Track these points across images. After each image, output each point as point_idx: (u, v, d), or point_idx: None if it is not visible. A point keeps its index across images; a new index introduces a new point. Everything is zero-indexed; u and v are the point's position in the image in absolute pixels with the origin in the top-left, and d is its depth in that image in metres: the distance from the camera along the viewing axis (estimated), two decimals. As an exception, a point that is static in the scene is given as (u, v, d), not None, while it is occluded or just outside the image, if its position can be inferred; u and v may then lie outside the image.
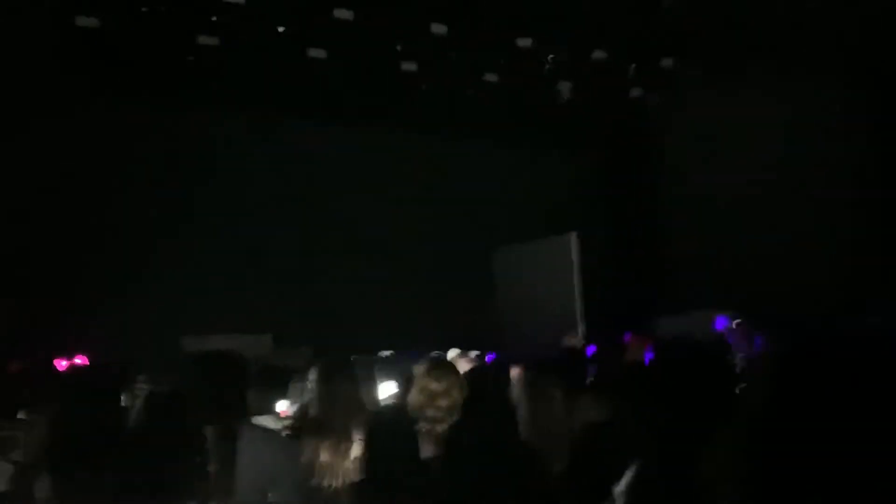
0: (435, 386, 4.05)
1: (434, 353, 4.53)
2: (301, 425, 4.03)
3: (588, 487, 3.54)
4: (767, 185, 11.63)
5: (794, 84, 11.34)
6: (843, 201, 11.18)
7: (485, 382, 4.12)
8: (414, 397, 4.08)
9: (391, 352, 7.18)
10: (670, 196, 13.21)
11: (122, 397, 4.27)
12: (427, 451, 3.76)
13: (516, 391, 4.04)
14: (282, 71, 10.85)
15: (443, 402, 4.00)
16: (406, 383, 4.46)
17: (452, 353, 5.10)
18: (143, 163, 10.49)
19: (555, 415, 3.95)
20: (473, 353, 5.09)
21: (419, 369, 4.19)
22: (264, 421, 3.98)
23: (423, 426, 3.93)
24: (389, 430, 3.43)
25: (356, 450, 3.84)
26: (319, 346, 8.23)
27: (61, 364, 7.00)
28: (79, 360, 7.40)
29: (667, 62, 12.28)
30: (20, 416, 4.68)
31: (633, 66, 12.46)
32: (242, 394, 3.34)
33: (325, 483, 3.76)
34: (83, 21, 9.41)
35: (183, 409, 3.11)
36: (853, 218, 11.11)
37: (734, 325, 10.08)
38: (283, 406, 4.84)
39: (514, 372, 4.43)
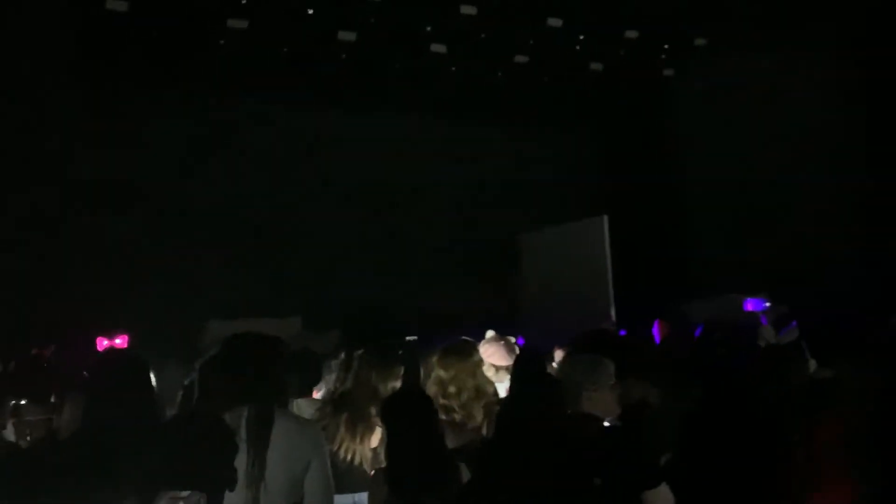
0: (443, 374, 4.05)
1: (461, 338, 4.50)
2: (330, 409, 4.06)
3: (631, 468, 3.44)
4: (795, 163, 11.49)
5: (819, 57, 11.16)
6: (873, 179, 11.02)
7: (534, 365, 4.10)
8: (429, 388, 4.08)
9: (415, 337, 7.16)
10: (696, 179, 13.10)
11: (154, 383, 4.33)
12: (458, 439, 3.75)
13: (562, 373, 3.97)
14: (311, 54, 10.83)
15: (451, 389, 4.00)
16: (425, 370, 4.47)
17: (489, 335, 5.07)
18: (174, 147, 10.54)
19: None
20: (512, 339, 5.06)
21: (433, 358, 4.18)
22: (302, 404, 3.99)
23: (444, 416, 3.93)
24: (407, 416, 3.41)
25: (377, 438, 3.84)
26: (348, 329, 8.24)
27: (102, 343, 7.10)
28: (119, 341, 7.50)
29: (700, 40, 12.12)
30: (53, 399, 4.73)
31: (665, 46, 12.31)
32: (282, 377, 3.33)
33: (342, 455, 3.77)
34: (112, 4, 9.44)
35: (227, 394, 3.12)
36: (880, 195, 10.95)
37: (766, 308, 10.02)
38: (316, 390, 4.87)
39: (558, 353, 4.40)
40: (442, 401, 3.97)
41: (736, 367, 2.78)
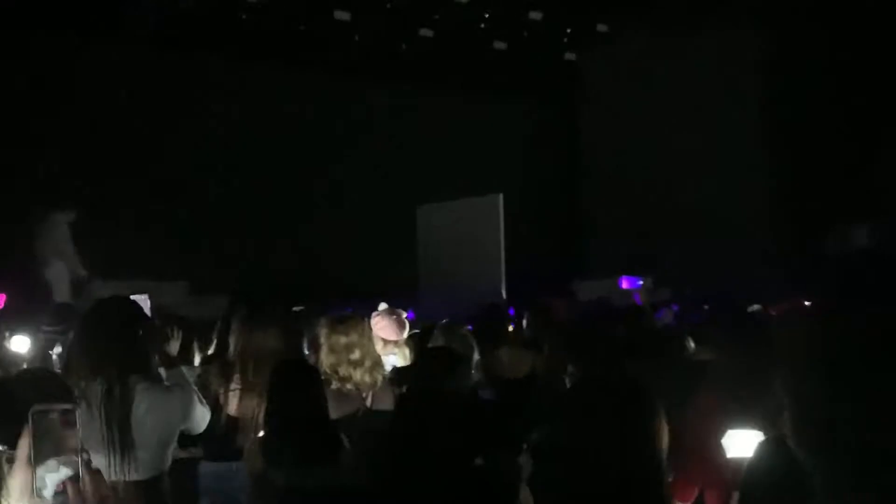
0: (344, 340, 3.97)
1: (347, 311, 4.46)
2: (211, 376, 3.96)
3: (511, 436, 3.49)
4: (696, 155, 11.80)
5: (723, 46, 11.47)
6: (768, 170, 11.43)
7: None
8: (325, 356, 3.98)
9: (303, 307, 7.09)
10: (592, 161, 13.33)
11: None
12: (344, 408, 3.70)
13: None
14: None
15: (355, 355, 3.94)
16: (312, 342, 4.40)
17: (382, 307, 5.03)
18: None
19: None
20: (403, 314, 5.04)
21: (323, 327, 4.08)
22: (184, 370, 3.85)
23: (335, 385, 3.85)
24: (292, 385, 3.31)
25: (256, 403, 3.76)
26: (235, 295, 8.08)
27: None
28: None
29: (601, 26, 12.30)
30: None
31: (568, 29, 12.46)
32: (142, 345, 3.21)
33: (221, 421, 3.69)
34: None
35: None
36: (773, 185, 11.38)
37: (639, 287, 10.32)
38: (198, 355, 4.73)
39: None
40: (342, 370, 3.87)
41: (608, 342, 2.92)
